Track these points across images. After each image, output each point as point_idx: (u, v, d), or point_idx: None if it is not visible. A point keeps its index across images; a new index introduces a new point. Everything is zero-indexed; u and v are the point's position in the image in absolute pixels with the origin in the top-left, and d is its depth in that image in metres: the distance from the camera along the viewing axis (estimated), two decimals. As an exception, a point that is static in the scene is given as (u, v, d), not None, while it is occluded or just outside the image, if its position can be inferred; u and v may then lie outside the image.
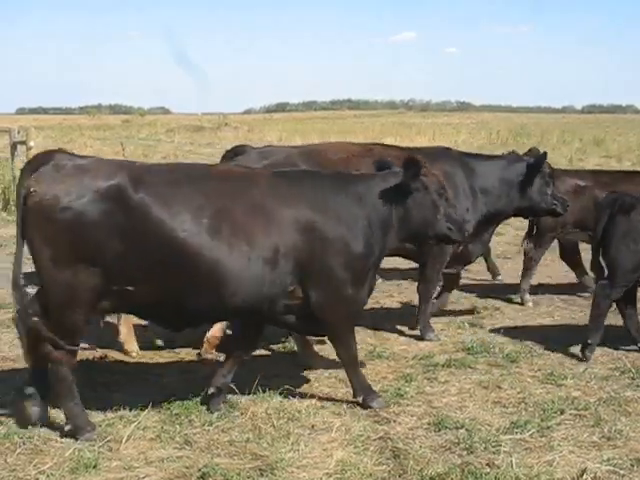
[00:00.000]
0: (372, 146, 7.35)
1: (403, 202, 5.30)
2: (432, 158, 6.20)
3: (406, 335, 7.10)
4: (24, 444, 4.61)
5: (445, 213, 5.40)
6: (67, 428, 4.78)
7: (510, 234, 12.35)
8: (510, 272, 9.53)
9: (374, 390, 5.38)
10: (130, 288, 4.72)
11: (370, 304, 8.02)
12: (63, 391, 4.78)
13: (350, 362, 5.36)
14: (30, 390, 4.89)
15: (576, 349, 6.48)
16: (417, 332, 7.03)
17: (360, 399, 5.30)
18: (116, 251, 4.64)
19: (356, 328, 7.06)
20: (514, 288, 8.63)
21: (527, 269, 8.44)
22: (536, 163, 7.06)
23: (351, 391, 5.42)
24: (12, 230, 12.57)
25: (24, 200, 4.68)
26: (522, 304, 8.17)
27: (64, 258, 4.62)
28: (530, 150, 7.92)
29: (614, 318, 7.58)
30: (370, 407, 5.24)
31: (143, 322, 6.39)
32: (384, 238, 5.30)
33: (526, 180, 7.02)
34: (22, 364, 6.12)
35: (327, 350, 6.18)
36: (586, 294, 8.48)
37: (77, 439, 4.73)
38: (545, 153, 7.19)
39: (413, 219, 5.35)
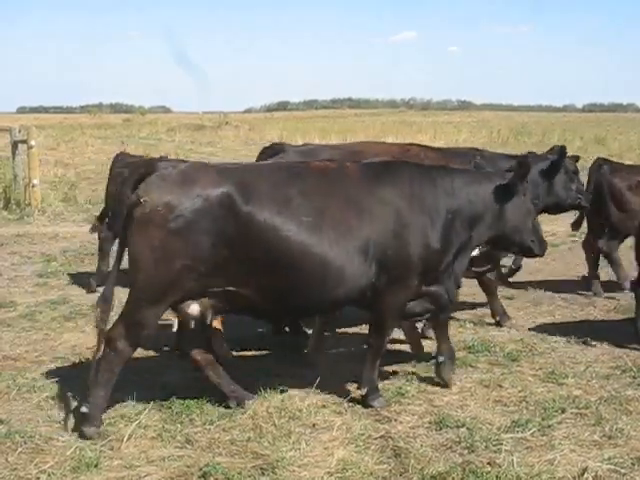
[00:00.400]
0: (409, 146, 7.41)
1: (502, 203, 5.39)
2: (466, 158, 6.31)
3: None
4: (25, 443, 4.62)
5: (534, 225, 5.53)
6: (82, 409, 4.85)
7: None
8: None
9: (378, 390, 5.37)
10: (233, 289, 4.90)
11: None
12: (103, 379, 4.87)
13: (376, 353, 5.37)
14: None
15: (577, 347, 6.49)
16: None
17: (363, 392, 5.31)
18: (223, 255, 4.79)
19: (356, 328, 7.12)
20: (515, 286, 8.64)
21: (613, 264, 8.62)
22: (559, 160, 7.15)
23: (353, 389, 5.44)
24: (13, 229, 12.62)
25: (130, 209, 4.82)
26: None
27: (168, 264, 4.76)
28: (552, 149, 7.93)
29: (615, 316, 7.61)
30: (371, 406, 5.24)
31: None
32: (471, 234, 5.39)
33: (551, 177, 7.14)
34: (23, 363, 6.15)
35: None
36: (588, 293, 8.49)
37: (82, 427, 4.77)
38: (564, 147, 7.26)
39: (507, 222, 5.45)
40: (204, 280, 4.84)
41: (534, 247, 5.61)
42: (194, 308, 5.03)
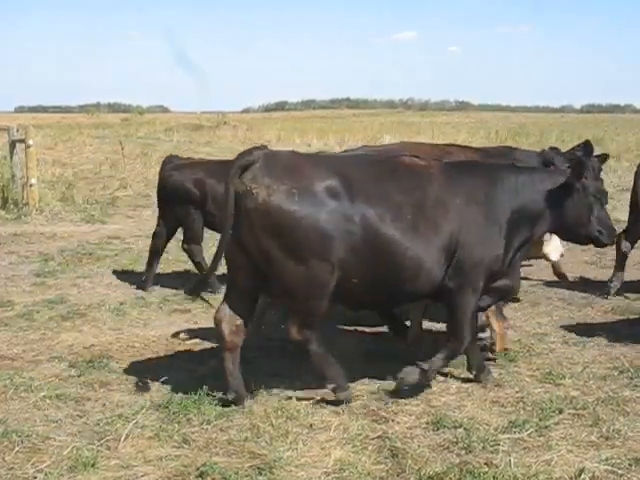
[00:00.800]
0: (449, 147, 7.46)
1: (561, 199, 5.53)
2: (501, 158, 6.42)
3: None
4: (22, 443, 4.61)
5: (598, 216, 5.65)
6: (330, 387, 5.21)
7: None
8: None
9: (430, 379, 5.50)
10: (345, 277, 5.03)
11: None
12: (318, 360, 5.23)
13: (453, 350, 5.51)
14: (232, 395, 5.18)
15: (575, 348, 6.49)
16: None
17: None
18: (333, 243, 4.93)
19: (354, 328, 7.13)
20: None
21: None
22: (585, 157, 7.17)
23: (350, 390, 5.44)
24: (10, 228, 12.60)
25: (239, 198, 4.90)
26: None
27: (295, 254, 4.91)
28: (579, 146, 7.93)
29: (612, 317, 7.61)
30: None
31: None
32: (532, 230, 5.55)
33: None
34: (20, 362, 6.14)
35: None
36: (584, 294, 8.50)
37: (336, 394, 5.20)
38: (587, 142, 7.30)
39: (567, 217, 5.58)
40: (332, 270, 5.00)
41: (602, 237, 5.76)
42: None
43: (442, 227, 5.17)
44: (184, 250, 8.89)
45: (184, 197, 8.57)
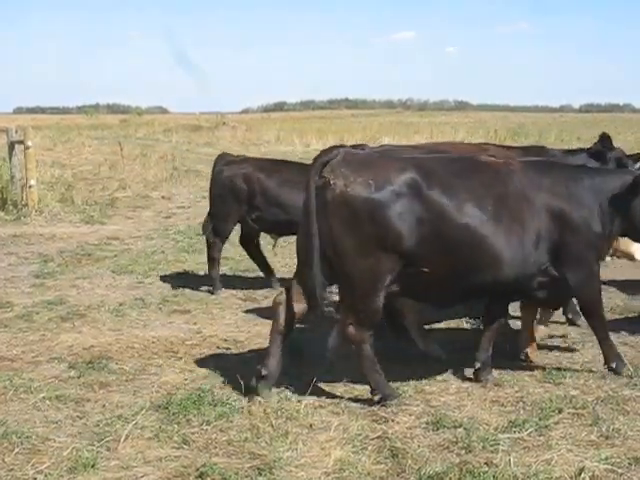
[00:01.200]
0: (486, 146, 7.50)
1: (630, 199, 5.66)
2: (537, 156, 6.61)
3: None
4: (22, 444, 4.61)
5: None
6: (376, 398, 5.22)
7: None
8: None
9: (622, 358, 5.82)
10: (415, 270, 5.14)
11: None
12: (367, 365, 5.27)
13: (603, 331, 5.84)
14: (265, 371, 5.31)
15: (574, 347, 6.49)
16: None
17: (613, 365, 5.80)
18: (407, 238, 5.05)
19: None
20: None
21: None
22: (619, 154, 7.27)
23: (349, 389, 5.48)
24: (10, 230, 12.60)
25: (319, 192, 5.05)
26: None
27: (365, 246, 5.03)
28: (600, 141, 7.93)
29: (611, 316, 7.60)
30: (618, 373, 5.75)
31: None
32: (607, 230, 5.70)
33: None
34: (19, 363, 6.14)
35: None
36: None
37: (385, 404, 5.18)
38: (605, 135, 7.36)
39: (634, 217, 5.72)
40: (401, 262, 5.11)
41: None
42: None
43: (528, 219, 5.33)
44: (207, 240, 8.86)
45: (229, 192, 8.63)
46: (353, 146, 6.98)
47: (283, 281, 8.67)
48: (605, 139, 7.28)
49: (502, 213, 5.24)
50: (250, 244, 9.01)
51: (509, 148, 7.65)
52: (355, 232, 5.01)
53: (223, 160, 8.95)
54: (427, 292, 5.42)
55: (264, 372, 5.33)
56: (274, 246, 9.26)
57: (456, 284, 5.35)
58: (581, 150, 7.62)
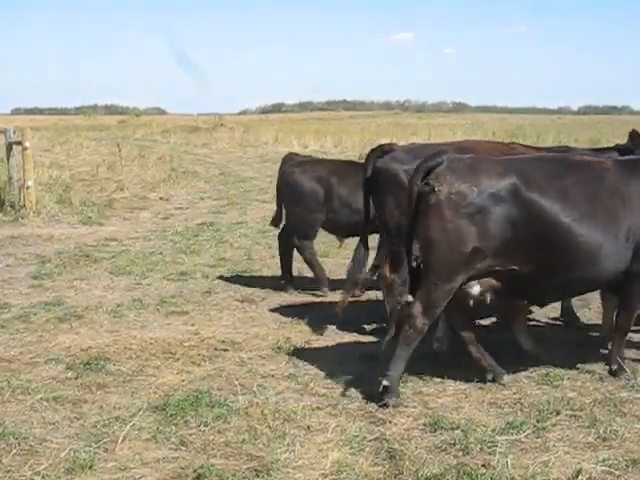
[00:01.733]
0: (512, 144, 7.51)
1: None
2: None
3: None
4: (19, 445, 4.61)
5: None
6: (384, 383, 5.30)
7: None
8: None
9: (622, 364, 5.84)
10: (515, 268, 5.37)
11: (368, 304, 8.05)
12: (402, 354, 5.37)
13: (625, 330, 5.91)
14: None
15: (572, 349, 6.49)
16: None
17: (613, 367, 5.86)
18: (509, 238, 5.30)
19: (353, 330, 7.12)
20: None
21: None
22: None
23: (347, 392, 5.47)
24: (7, 231, 12.58)
25: (421, 197, 5.35)
26: None
27: (461, 246, 5.27)
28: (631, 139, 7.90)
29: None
30: (623, 372, 5.81)
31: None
32: None
33: None
34: (17, 364, 6.13)
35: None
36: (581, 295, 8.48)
37: (385, 399, 5.25)
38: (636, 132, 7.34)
39: None
40: (490, 261, 5.34)
41: None
42: (476, 288, 5.50)
43: (619, 218, 5.47)
44: (294, 245, 8.84)
45: (306, 194, 8.63)
46: (382, 145, 7.07)
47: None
48: (635, 137, 7.25)
49: (598, 211, 5.44)
50: (288, 243, 8.94)
51: (536, 149, 7.59)
52: (452, 235, 5.27)
53: (292, 160, 8.96)
54: (527, 291, 5.67)
55: (489, 377, 5.72)
56: (340, 246, 9.28)
57: (556, 282, 5.56)
58: (610, 148, 7.60)
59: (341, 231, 8.80)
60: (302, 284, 8.84)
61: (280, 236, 9.02)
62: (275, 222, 9.15)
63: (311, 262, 8.78)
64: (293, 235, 8.78)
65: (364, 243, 7.05)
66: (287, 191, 8.84)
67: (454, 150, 6.86)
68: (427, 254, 5.38)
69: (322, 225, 8.73)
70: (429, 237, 5.33)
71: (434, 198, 5.26)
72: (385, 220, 6.70)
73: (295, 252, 8.82)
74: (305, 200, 8.63)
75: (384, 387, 5.28)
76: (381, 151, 6.84)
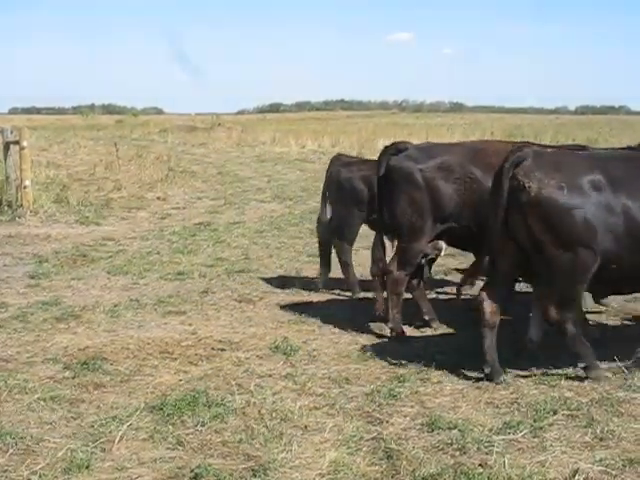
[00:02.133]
0: (526, 144, 7.50)
1: None
2: None
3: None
4: (16, 445, 4.61)
5: None
6: (581, 365, 5.76)
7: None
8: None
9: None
10: (610, 263, 5.51)
11: (366, 303, 8.04)
12: (574, 340, 5.71)
13: None
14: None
15: (568, 350, 6.50)
16: (412, 331, 7.05)
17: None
18: (597, 232, 5.43)
19: (350, 330, 7.13)
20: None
21: None
22: None
23: (345, 391, 5.48)
24: (4, 230, 12.57)
25: (513, 193, 5.49)
26: None
27: (562, 241, 5.43)
28: None
29: (605, 319, 7.62)
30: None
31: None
32: None
33: None
34: (14, 364, 6.13)
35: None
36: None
37: (586, 372, 5.73)
38: None
39: None
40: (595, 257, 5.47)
41: None
42: None
43: None
44: (334, 245, 8.87)
45: (351, 194, 8.61)
46: (395, 143, 7.07)
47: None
48: None
49: None
50: (330, 239, 8.94)
51: (552, 147, 7.57)
52: (552, 230, 5.43)
53: (339, 161, 8.96)
54: (613, 282, 5.83)
55: (487, 370, 5.81)
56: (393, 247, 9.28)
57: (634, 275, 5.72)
58: (629, 148, 7.61)
59: (387, 231, 8.79)
60: (330, 284, 8.88)
61: (318, 229, 9.05)
62: (320, 220, 9.06)
63: (346, 265, 8.78)
64: (335, 234, 8.80)
65: (380, 240, 7.06)
66: (333, 191, 8.84)
67: (471, 151, 6.88)
68: (535, 250, 5.54)
69: (374, 226, 8.67)
70: (532, 233, 5.49)
71: (524, 195, 5.43)
72: (397, 218, 6.69)
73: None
74: (348, 200, 8.62)
75: (586, 368, 5.77)
76: (395, 149, 6.85)
